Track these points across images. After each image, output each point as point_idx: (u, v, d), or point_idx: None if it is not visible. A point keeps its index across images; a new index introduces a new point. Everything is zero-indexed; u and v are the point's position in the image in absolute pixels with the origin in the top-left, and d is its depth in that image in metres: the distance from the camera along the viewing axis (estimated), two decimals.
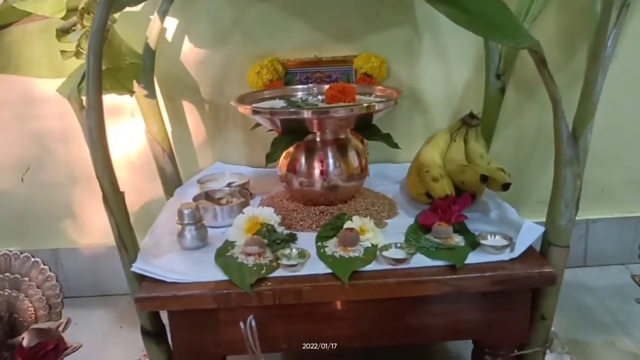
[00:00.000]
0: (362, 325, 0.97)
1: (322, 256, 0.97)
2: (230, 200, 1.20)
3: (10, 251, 1.01)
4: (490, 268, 0.93)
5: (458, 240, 1.01)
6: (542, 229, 0.99)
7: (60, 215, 1.60)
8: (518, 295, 0.96)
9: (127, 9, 1.18)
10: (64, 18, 1.06)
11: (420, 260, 0.95)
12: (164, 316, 1.02)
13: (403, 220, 1.13)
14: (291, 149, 1.15)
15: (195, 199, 1.19)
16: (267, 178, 1.40)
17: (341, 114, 1.07)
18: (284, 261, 0.94)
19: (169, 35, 1.44)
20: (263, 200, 1.25)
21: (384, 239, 1.01)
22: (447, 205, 1.06)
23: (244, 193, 1.22)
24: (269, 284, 0.91)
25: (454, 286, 0.91)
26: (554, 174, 0.97)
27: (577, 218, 1.01)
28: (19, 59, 1.23)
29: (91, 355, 1.36)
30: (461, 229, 1.04)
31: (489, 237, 0.99)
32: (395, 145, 1.11)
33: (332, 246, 1.00)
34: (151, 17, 1.32)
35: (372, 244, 1.00)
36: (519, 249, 0.95)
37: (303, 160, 1.14)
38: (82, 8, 1.02)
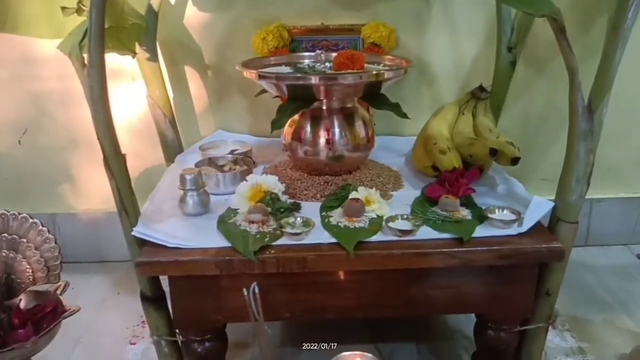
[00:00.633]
0: (365, 296, 0.96)
1: (327, 226, 0.96)
2: (233, 167, 1.18)
3: (8, 211, 0.99)
4: (497, 242, 0.92)
5: (465, 213, 0.99)
6: (551, 204, 0.98)
7: (58, 179, 1.57)
8: (524, 271, 0.95)
9: None
10: None
11: (426, 233, 0.94)
12: (164, 283, 1.01)
13: (408, 193, 1.11)
14: (296, 116, 1.12)
15: (198, 165, 1.17)
16: (269, 147, 1.37)
17: (350, 81, 1.04)
18: (288, 229, 0.93)
19: None
20: (266, 169, 1.23)
21: (390, 210, 1.00)
22: (454, 178, 1.04)
23: (247, 161, 1.20)
24: (272, 251, 0.90)
25: (461, 259, 0.90)
26: (566, 148, 0.95)
27: None
28: (17, 16, 1.19)
29: (89, 321, 1.35)
30: (468, 203, 1.03)
31: (496, 211, 0.98)
32: (404, 115, 1.09)
33: (336, 216, 0.99)
34: None
35: (377, 215, 0.98)
36: (528, 223, 0.94)
37: (308, 128, 1.11)
38: None
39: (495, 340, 1.01)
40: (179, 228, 0.97)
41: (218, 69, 1.48)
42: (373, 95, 1.12)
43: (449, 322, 1.33)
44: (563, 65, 0.90)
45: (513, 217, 0.95)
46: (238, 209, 1.01)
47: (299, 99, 1.08)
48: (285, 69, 1.21)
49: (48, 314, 0.92)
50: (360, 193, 1.01)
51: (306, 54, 1.31)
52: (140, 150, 1.50)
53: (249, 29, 1.41)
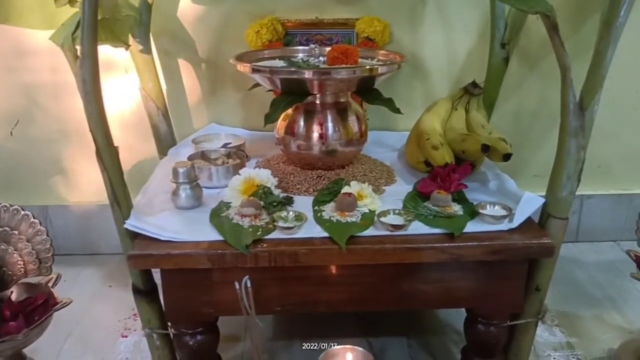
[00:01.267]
0: (357, 290, 0.97)
1: (319, 220, 0.96)
2: (226, 161, 1.18)
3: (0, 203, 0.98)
4: (488, 237, 0.92)
5: (456, 209, 0.99)
6: (542, 200, 0.98)
7: (50, 171, 1.56)
8: (514, 266, 0.95)
9: None
10: None
11: (418, 228, 0.94)
12: (156, 276, 1.01)
13: (401, 188, 1.11)
14: (290, 110, 1.12)
15: (191, 158, 1.17)
16: (262, 141, 1.37)
17: (343, 75, 1.04)
18: (281, 223, 0.93)
19: None
20: (259, 163, 1.23)
21: (382, 205, 1.00)
22: (446, 174, 1.05)
23: (240, 155, 1.20)
24: (265, 245, 0.90)
25: (452, 254, 0.90)
26: (557, 144, 0.95)
27: None
28: (8, 7, 1.18)
29: (80, 313, 1.35)
30: (460, 198, 1.03)
31: (488, 206, 0.98)
32: (397, 110, 1.09)
33: (329, 210, 0.99)
34: None
35: (369, 210, 0.98)
36: (518, 219, 0.94)
37: (302, 122, 1.11)
38: None
39: (485, 335, 1.02)
40: (172, 221, 0.97)
41: (212, 62, 1.47)
42: (366, 90, 1.12)
43: (439, 316, 1.34)
44: (555, 62, 0.90)
45: (504, 212, 0.96)
46: (231, 202, 1.01)
47: (292, 93, 1.08)
48: (279, 63, 1.21)
49: (39, 307, 0.92)
50: (353, 188, 1.01)
51: (300, 47, 1.30)
52: (132, 143, 1.50)
53: (242, 22, 1.41)
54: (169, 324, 1.01)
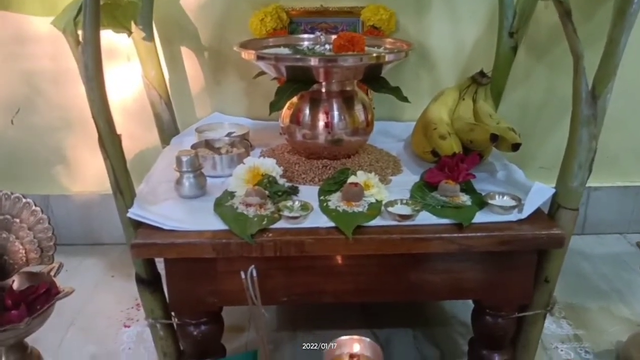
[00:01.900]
0: (363, 281, 0.95)
1: (325, 210, 0.95)
2: (230, 150, 1.17)
3: (1, 191, 0.97)
4: (497, 228, 0.91)
5: (464, 199, 0.98)
6: (552, 190, 0.97)
7: (51, 160, 1.55)
8: (523, 257, 0.94)
9: None
10: None
11: (425, 218, 0.92)
12: (159, 266, 0.99)
13: (407, 178, 1.10)
14: (295, 99, 1.10)
15: (194, 147, 1.15)
16: (266, 130, 1.36)
17: (350, 63, 1.02)
18: (286, 213, 0.92)
19: None
20: (264, 152, 1.21)
21: (389, 195, 0.98)
22: (454, 164, 1.03)
23: (244, 144, 1.18)
24: (270, 235, 0.88)
25: (460, 245, 0.89)
26: (569, 133, 0.94)
27: None
28: None
29: (83, 303, 1.34)
30: (468, 189, 1.02)
31: (497, 197, 0.97)
32: (405, 99, 1.07)
33: (335, 200, 0.97)
34: None
35: (376, 200, 0.97)
36: (528, 210, 0.93)
37: (307, 111, 1.10)
38: None
39: (493, 327, 1.00)
40: (175, 210, 0.96)
41: (215, 51, 1.45)
42: (373, 78, 1.10)
43: (445, 307, 1.33)
44: (564, 52, 0.89)
45: (513, 203, 0.95)
46: (235, 191, 1.00)
47: (298, 81, 1.06)
48: (284, 51, 1.19)
49: (41, 296, 0.91)
50: (359, 177, 1.00)
51: (305, 35, 1.29)
52: (135, 132, 1.48)
53: (246, 10, 1.39)
54: (173, 314, 1.00)
